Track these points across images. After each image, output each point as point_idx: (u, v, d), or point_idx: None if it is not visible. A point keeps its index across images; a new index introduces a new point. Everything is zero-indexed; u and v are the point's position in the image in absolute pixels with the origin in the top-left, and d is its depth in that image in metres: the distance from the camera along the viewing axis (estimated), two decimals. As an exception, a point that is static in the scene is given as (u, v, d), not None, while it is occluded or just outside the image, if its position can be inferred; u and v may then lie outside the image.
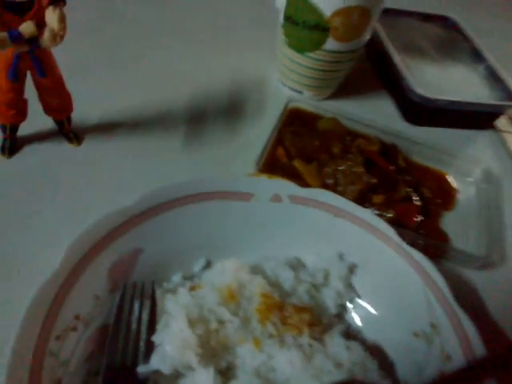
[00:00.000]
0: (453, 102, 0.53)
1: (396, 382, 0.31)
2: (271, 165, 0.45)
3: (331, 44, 0.49)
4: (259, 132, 0.48)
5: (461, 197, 0.49)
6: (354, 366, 0.30)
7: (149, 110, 0.49)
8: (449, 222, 0.46)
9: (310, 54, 0.51)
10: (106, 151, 0.44)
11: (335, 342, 0.31)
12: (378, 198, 0.44)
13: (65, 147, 0.43)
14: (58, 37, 0.32)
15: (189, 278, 0.34)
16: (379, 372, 0.31)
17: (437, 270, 0.34)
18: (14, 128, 0.41)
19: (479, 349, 0.31)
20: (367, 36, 0.51)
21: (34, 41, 0.33)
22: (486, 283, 0.41)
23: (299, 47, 0.51)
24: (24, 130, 0.42)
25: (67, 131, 0.43)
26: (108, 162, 0.43)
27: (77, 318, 0.29)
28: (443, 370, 0.31)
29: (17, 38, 0.32)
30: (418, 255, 0.35)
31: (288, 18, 0.50)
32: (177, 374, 0.29)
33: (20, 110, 0.39)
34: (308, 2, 0.46)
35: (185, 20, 0.65)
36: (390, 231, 0.36)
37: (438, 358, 0.32)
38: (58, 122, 0.42)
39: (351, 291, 0.36)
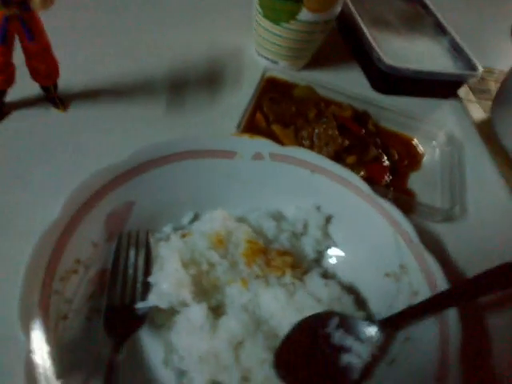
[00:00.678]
0: (417, 72, 0.57)
1: (369, 314, 0.35)
2: (251, 129, 0.47)
3: (305, 15, 0.52)
4: (238, 100, 0.50)
5: (426, 158, 0.53)
6: (331, 301, 0.34)
7: (132, 78, 0.51)
8: (415, 181, 0.50)
9: (285, 25, 0.53)
10: (91, 117, 0.45)
11: (315, 281, 0.35)
12: (350, 159, 0.47)
13: (51, 112, 0.44)
14: (48, 0, 0.33)
15: (179, 228, 0.37)
16: (354, 306, 0.34)
17: (404, 217, 0.38)
18: (2, 93, 0.42)
19: (443, 284, 0.35)
20: (338, 7, 0.54)
21: (24, 3, 0.34)
22: (449, 234, 0.45)
23: (274, 18, 0.53)
24: (11, 95, 0.43)
25: (54, 97, 0.44)
26: (93, 126, 0.45)
27: (77, 262, 0.31)
28: (411, 304, 0.34)
29: (7, 1, 0.33)
30: (387, 205, 0.38)
31: (263, -8, 0.52)
32: (172, 311, 0.32)
33: (8, 75, 0.40)
34: (283, -26, 0.49)
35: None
36: (363, 184, 0.39)
37: (406, 294, 0.35)
38: (45, 88, 0.44)
39: (328, 239, 0.39)
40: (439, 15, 0.68)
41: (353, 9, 0.64)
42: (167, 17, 0.62)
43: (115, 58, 0.53)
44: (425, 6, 0.70)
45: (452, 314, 0.33)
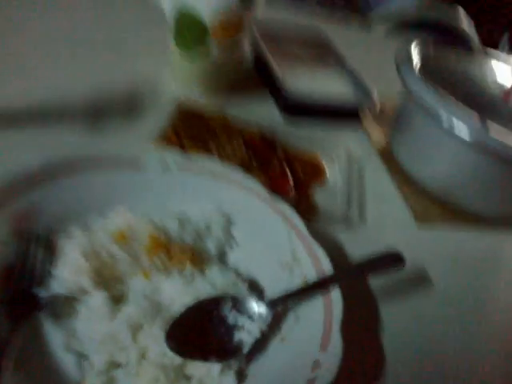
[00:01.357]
0: (320, 99, 0.64)
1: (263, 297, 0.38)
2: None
3: (213, 46, 0.57)
4: (153, 122, 0.54)
5: (329, 175, 0.58)
6: (227, 287, 0.37)
7: (52, 101, 0.54)
8: (318, 194, 0.54)
9: (197, 56, 0.58)
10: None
11: (213, 271, 0.38)
12: (255, 173, 0.51)
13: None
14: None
15: (84, 229, 0.39)
16: (248, 291, 0.37)
17: (296, 214, 0.42)
18: None
19: (329, 271, 0.38)
20: (245, 41, 0.60)
21: None
22: (347, 238, 0.50)
23: (186, 49, 0.58)
24: None
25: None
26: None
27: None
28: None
29: None
30: (282, 206, 0.43)
31: (176, 26, 0.58)
32: (73, 300, 0.33)
33: None
34: (191, 10, 0.54)
35: (77, 23, 0.71)
36: (261, 189, 0.44)
37: (298, 281, 0.39)
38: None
39: (229, 237, 0.42)
40: (341, 52, 0.76)
41: (263, 47, 0.70)
42: (89, 46, 0.66)
43: (31, 84, 0.56)
44: (329, 43, 0.79)
45: (335, 294, 0.36)
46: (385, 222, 0.55)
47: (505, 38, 0.70)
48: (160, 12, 0.58)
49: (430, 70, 0.60)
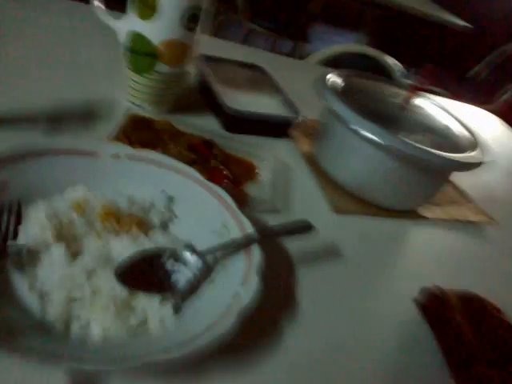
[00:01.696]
0: (255, 114, 0.75)
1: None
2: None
3: (161, 67, 0.67)
4: (107, 130, 0.62)
5: (260, 175, 0.68)
6: (167, 244, 0.45)
7: (17, 113, 0.61)
8: (251, 188, 0.64)
9: (147, 75, 0.68)
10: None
11: (156, 234, 0.46)
12: (195, 168, 0.60)
13: None
14: None
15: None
16: (183, 246, 0.45)
17: (226, 193, 0.51)
18: None
19: (254, 235, 0.48)
20: (189, 62, 0.70)
21: None
22: (274, 221, 0.59)
23: (137, 70, 0.68)
24: None
25: None
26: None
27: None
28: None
29: None
30: (215, 187, 0.52)
31: (128, 49, 0.67)
32: (36, 251, 0.40)
33: None
34: (141, 35, 0.65)
35: (43, 47, 0.79)
36: (197, 174, 0.53)
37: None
38: None
39: (170, 212, 0.51)
40: (274, 79, 0.89)
41: (207, 71, 0.81)
42: (52, 66, 0.74)
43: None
44: (265, 73, 0.91)
45: (255, 248, 0.45)
46: (306, 210, 0.65)
47: (400, 69, 0.84)
48: (115, 38, 0.68)
49: (344, 90, 0.72)
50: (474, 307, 0.56)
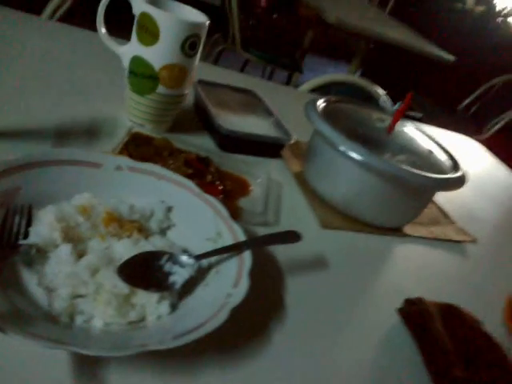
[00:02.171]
0: (247, 134, 0.79)
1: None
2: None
3: (161, 89, 0.72)
4: (109, 147, 0.67)
5: (252, 190, 0.72)
6: (165, 248, 0.48)
7: (22, 126, 0.65)
8: (244, 202, 0.68)
9: (148, 96, 0.73)
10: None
11: (155, 238, 0.50)
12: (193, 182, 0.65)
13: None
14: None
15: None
16: (181, 251, 0.49)
17: (220, 203, 0.55)
18: None
19: (246, 242, 0.51)
20: (187, 86, 0.75)
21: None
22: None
23: (139, 91, 0.73)
24: None
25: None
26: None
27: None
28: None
29: None
30: (210, 198, 0.56)
31: (130, 72, 0.72)
32: (45, 252, 0.44)
33: None
34: (143, 60, 0.70)
35: (51, 70, 0.84)
36: (195, 187, 0.57)
37: (220, 250, 0.51)
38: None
39: (169, 221, 0.54)
40: (268, 103, 0.94)
41: (203, 94, 0.86)
42: (59, 87, 0.79)
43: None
44: (257, 97, 0.96)
45: (246, 254, 0.49)
46: (295, 224, 0.68)
47: (383, 96, 0.90)
48: (119, 62, 0.73)
49: (332, 114, 0.77)
50: (453, 318, 0.59)
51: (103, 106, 0.79)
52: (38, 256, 0.44)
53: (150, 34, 0.68)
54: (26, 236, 0.44)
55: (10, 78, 0.76)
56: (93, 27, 0.73)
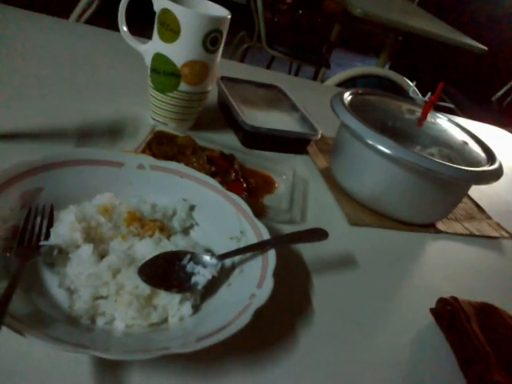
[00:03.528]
0: (273, 130, 0.78)
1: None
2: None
3: (184, 87, 0.71)
4: (133, 146, 0.66)
5: (278, 187, 0.70)
6: (187, 247, 0.47)
7: (49, 128, 0.66)
8: (269, 200, 0.66)
9: (170, 94, 0.72)
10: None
11: (177, 238, 0.49)
12: (216, 179, 0.63)
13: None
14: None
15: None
16: (203, 250, 0.48)
17: (244, 201, 0.54)
18: None
19: (270, 240, 0.50)
20: (209, 82, 0.74)
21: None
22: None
23: (161, 89, 0.72)
24: None
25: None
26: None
27: (-3, 216, 0.43)
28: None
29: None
30: (233, 196, 0.54)
31: (153, 70, 0.72)
32: (67, 253, 0.43)
33: None
34: (165, 57, 0.69)
35: (76, 70, 0.85)
36: (217, 184, 0.55)
37: (245, 250, 0.50)
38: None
39: (191, 219, 0.53)
40: (293, 98, 0.92)
41: (226, 91, 0.85)
42: (84, 86, 0.79)
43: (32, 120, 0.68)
44: (282, 92, 0.94)
45: (271, 253, 0.47)
46: (322, 222, 0.66)
47: (413, 87, 0.86)
48: (141, 60, 0.73)
49: (360, 107, 0.75)
50: (490, 318, 0.56)
51: (126, 105, 0.78)
52: (60, 257, 0.43)
53: (171, 30, 0.67)
54: (47, 237, 0.44)
55: (33, 79, 0.77)
56: (117, 28, 0.73)
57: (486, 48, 2.61)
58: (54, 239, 0.43)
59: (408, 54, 3.96)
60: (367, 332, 0.52)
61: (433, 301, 0.57)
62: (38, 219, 0.45)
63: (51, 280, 0.42)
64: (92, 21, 1.62)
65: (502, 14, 3.89)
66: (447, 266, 0.69)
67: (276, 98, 0.93)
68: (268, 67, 3.32)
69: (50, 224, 0.45)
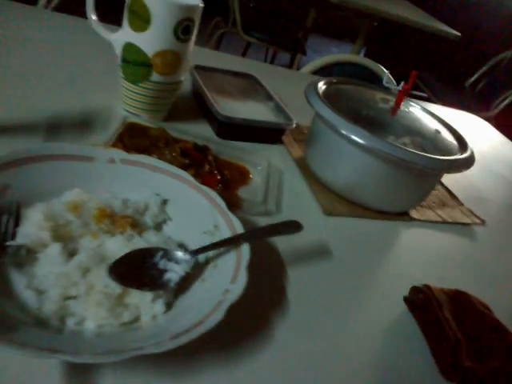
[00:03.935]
0: (246, 120, 0.77)
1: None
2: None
3: (155, 77, 0.69)
4: (104, 138, 0.64)
5: (253, 179, 0.70)
6: (159, 244, 0.46)
7: (15, 119, 0.63)
8: (244, 192, 0.66)
9: (142, 85, 0.70)
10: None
11: (149, 234, 0.48)
12: (189, 172, 0.62)
13: None
14: None
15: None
16: (176, 246, 0.47)
17: (218, 195, 0.53)
18: None
19: (244, 234, 0.49)
20: (182, 72, 0.73)
21: None
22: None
23: (133, 80, 0.70)
24: None
25: None
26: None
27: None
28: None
29: None
30: (207, 189, 0.54)
31: (123, 60, 0.70)
32: (34, 252, 0.42)
33: None
34: (135, 47, 0.67)
35: (45, 64, 0.82)
36: (190, 178, 0.55)
37: (218, 243, 0.49)
38: None
39: (164, 214, 0.52)
40: (268, 87, 0.91)
41: (200, 81, 0.84)
42: (53, 78, 0.77)
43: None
44: (257, 81, 0.93)
45: (245, 247, 0.47)
46: (297, 212, 0.66)
47: (387, 75, 0.86)
48: (111, 50, 0.71)
49: (334, 96, 0.74)
50: (462, 305, 0.57)
51: (97, 96, 0.76)
52: (27, 257, 0.42)
53: (141, 19, 0.66)
54: (14, 237, 0.42)
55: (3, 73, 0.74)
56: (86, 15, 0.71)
57: (459, 34, 2.64)
58: (21, 239, 0.42)
59: (383, 40, 3.97)
60: (341, 321, 0.52)
61: (406, 289, 0.58)
62: (5, 218, 0.44)
63: (18, 281, 0.41)
64: (63, 7, 1.57)
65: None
66: (421, 253, 0.70)
67: (251, 87, 0.92)
68: (244, 53, 3.29)
69: (17, 223, 0.44)
